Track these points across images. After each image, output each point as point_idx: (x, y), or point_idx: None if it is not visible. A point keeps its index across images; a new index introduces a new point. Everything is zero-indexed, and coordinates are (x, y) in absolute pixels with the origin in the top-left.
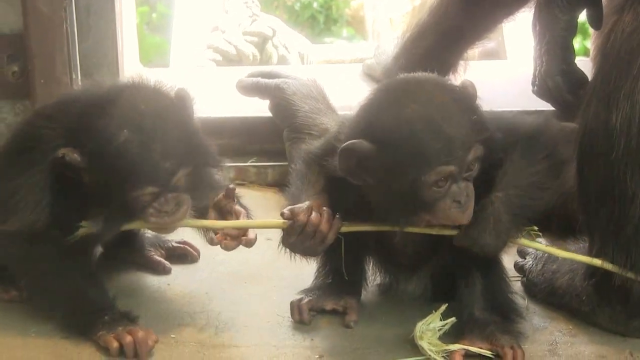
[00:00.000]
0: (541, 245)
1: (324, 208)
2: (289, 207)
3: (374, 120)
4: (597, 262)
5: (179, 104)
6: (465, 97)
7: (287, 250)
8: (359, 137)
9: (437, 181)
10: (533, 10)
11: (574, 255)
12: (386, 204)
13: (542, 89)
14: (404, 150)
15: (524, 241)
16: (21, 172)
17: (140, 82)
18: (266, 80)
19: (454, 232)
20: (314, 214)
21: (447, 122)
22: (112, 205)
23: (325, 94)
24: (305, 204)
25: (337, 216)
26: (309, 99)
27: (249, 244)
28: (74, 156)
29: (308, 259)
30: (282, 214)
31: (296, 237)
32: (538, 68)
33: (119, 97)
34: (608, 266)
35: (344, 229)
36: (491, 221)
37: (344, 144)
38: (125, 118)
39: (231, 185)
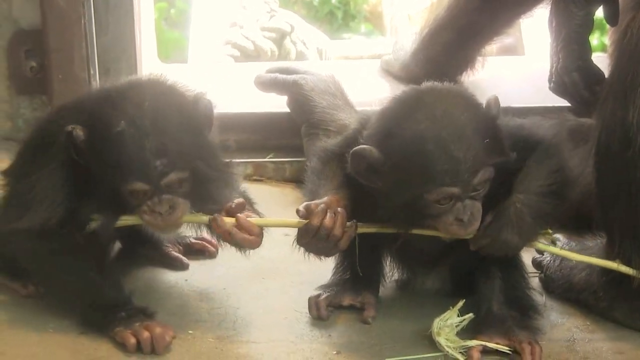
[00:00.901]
0: (556, 249)
1: (339, 209)
2: (305, 203)
3: (386, 131)
4: (612, 265)
5: (192, 107)
6: (484, 117)
7: (302, 248)
8: (372, 143)
9: (440, 200)
10: (550, 6)
11: (589, 258)
12: (392, 208)
13: (559, 85)
14: (410, 166)
15: (540, 245)
16: (38, 169)
17: (157, 79)
18: (284, 76)
19: (470, 236)
20: (328, 217)
21: (457, 144)
22: (107, 196)
23: (343, 90)
24: (321, 202)
25: (353, 221)
26: (326, 95)
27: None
28: (79, 133)
29: (323, 258)
30: (297, 211)
31: (310, 239)
32: (555, 64)
33: (130, 90)
34: (623, 269)
35: (360, 230)
36: (514, 219)
37: (355, 148)
38: (127, 109)
39: (240, 200)
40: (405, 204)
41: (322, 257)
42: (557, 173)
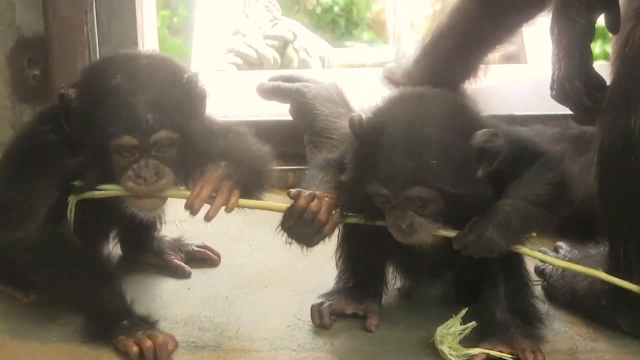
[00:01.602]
0: (539, 254)
1: (326, 198)
2: (297, 189)
3: (369, 118)
4: (597, 273)
5: (187, 80)
6: (456, 140)
7: (284, 233)
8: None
9: (376, 195)
10: (551, 14)
11: (572, 265)
12: (355, 203)
13: (561, 93)
14: (359, 163)
15: (524, 249)
16: (30, 178)
17: (157, 51)
18: (287, 84)
19: (453, 234)
20: (315, 201)
21: (405, 151)
22: (92, 156)
23: (346, 98)
24: (312, 190)
25: (338, 210)
26: (329, 103)
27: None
28: (70, 93)
29: (305, 249)
30: (288, 192)
31: (294, 222)
32: (556, 72)
33: (126, 54)
34: (609, 278)
35: (345, 220)
36: (500, 220)
37: (349, 118)
38: (124, 67)
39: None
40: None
41: (305, 247)
42: (555, 186)
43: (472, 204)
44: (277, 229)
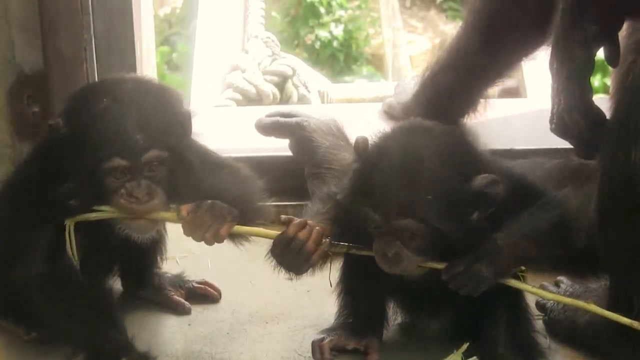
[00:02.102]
0: (527, 286)
1: (317, 228)
2: (290, 216)
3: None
4: (588, 306)
5: (174, 100)
6: (455, 179)
7: (274, 261)
8: None
9: (368, 219)
10: (550, 48)
11: (561, 298)
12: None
13: (561, 126)
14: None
15: (513, 282)
16: (23, 216)
17: (143, 76)
18: (285, 119)
19: (441, 266)
20: (304, 230)
21: (402, 181)
22: (84, 181)
23: (345, 132)
24: (304, 219)
25: (327, 239)
26: (329, 136)
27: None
28: (58, 122)
29: (294, 276)
30: (279, 218)
31: (282, 249)
32: (556, 106)
33: (114, 79)
34: (594, 308)
35: (334, 250)
36: (489, 253)
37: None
38: (109, 90)
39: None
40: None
41: (293, 276)
42: (553, 225)
43: (462, 242)
44: (266, 255)
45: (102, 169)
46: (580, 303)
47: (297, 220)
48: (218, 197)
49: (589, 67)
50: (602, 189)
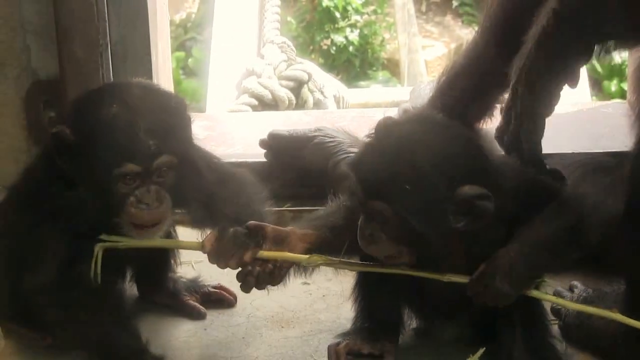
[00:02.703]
0: (552, 297)
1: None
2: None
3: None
4: (615, 315)
5: (177, 104)
6: (440, 181)
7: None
8: None
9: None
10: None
11: (584, 307)
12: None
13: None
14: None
15: (535, 293)
16: (35, 225)
17: (145, 80)
18: (301, 128)
19: (465, 280)
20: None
21: (386, 162)
22: (95, 188)
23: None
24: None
25: (253, 245)
26: (348, 136)
27: None
28: (65, 131)
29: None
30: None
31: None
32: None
33: (118, 84)
34: (624, 319)
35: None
36: (506, 268)
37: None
38: (118, 96)
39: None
40: None
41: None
42: (567, 230)
43: (440, 244)
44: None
45: (113, 175)
46: (606, 312)
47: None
48: (223, 203)
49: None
50: (632, 191)
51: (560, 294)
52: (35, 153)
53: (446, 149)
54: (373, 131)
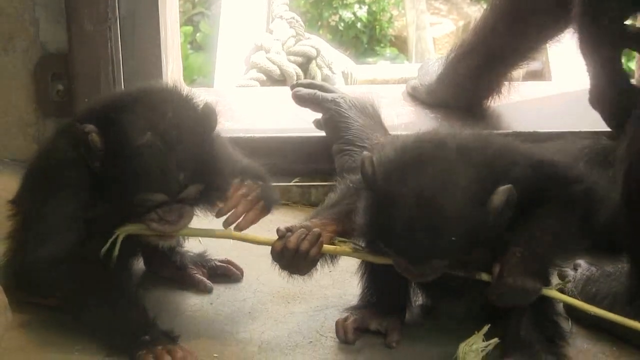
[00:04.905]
0: (576, 300)
1: (315, 230)
2: (287, 226)
3: (379, 175)
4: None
5: (205, 119)
6: (473, 207)
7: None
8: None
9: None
10: (577, 30)
11: (607, 314)
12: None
13: (595, 97)
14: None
15: (555, 293)
16: (52, 194)
17: (174, 88)
18: (323, 94)
19: (488, 278)
20: (293, 238)
21: (421, 227)
22: (116, 202)
23: (380, 114)
24: (300, 226)
25: (321, 239)
26: (363, 115)
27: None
28: (95, 139)
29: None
30: (277, 230)
31: (280, 258)
32: (592, 81)
33: (150, 99)
34: None
35: (325, 249)
36: (522, 265)
37: (362, 156)
38: (151, 121)
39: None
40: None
41: (299, 277)
42: (573, 223)
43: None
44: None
45: (136, 198)
46: (630, 322)
47: (295, 227)
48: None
49: (618, 42)
50: (629, 171)
51: (563, 273)
52: (56, 129)
53: (463, 173)
54: (365, 180)
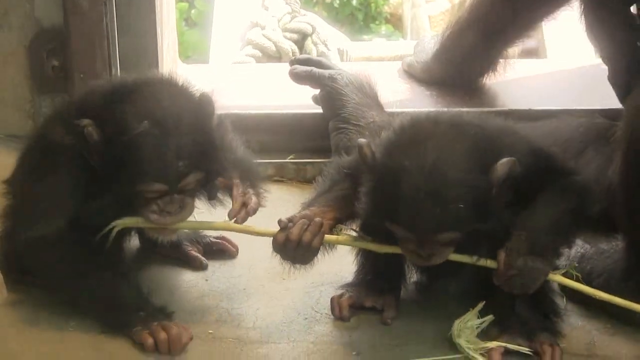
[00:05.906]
0: (582, 285)
1: (317, 220)
2: (288, 217)
3: (380, 156)
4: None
5: (202, 108)
6: (478, 177)
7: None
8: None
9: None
10: (581, 12)
11: (615, 299)
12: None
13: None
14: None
15: (559, 278)
16: (45, 175)
17: (170, 79)
18: (320, 70)
19: (494, 265)
20: (295, 229)
21: (429, 199)
22: (116, 194)
23: (376, 90)
24: (300, 216)
25: (323, 229)
26: (360, 92)
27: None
28: (92, 131)
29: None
30: (279, 222)
31: (281, 249)
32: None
33: (146, 89)
34: None
35: (327, 239)
36: (527, 246)
37: (359, 144)
38: (148, 110)
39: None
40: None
41: (301, 267)
42: (571, 211)
43: (491, 228)
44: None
45: (137, 188)
46: (636, 305)
47: (296, 217)
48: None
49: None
50: (628, 147)
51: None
52: (53, 111)
53: (464, 145)
54: (366, 165)
